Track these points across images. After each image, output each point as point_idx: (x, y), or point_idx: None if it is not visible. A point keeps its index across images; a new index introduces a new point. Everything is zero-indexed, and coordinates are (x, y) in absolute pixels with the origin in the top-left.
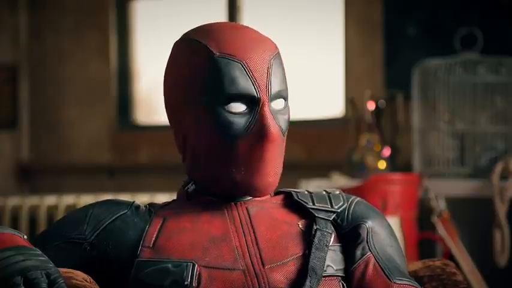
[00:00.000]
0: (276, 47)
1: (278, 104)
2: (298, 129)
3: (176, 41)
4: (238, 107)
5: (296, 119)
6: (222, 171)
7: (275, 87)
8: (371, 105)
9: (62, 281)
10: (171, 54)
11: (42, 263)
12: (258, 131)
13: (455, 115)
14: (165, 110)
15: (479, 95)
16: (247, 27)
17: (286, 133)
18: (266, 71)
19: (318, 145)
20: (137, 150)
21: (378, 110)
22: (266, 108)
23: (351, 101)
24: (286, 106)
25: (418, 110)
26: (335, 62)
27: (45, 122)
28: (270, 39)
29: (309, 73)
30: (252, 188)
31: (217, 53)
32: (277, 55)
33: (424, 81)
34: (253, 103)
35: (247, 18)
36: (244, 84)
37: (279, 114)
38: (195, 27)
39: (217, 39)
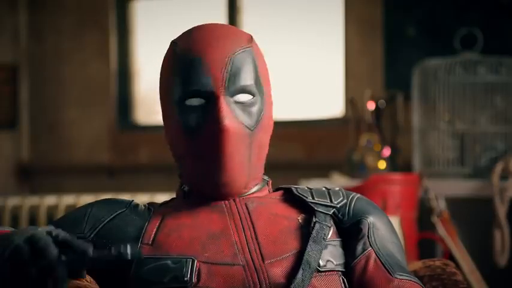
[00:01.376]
0: (248, 42)
1: (241, 97)
2: (298, 129)
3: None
4: (196, 101)
5: (296, 119)
6: (194, 170)
7: (236, 81)
8: (371, 105)
9: (64, 232)
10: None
11: (38, 227)
12: (213, 125)
13: (455, 115)
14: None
15: (479, 95)
16: (222, 24)
17: (256, 127)
18: (224, 64)
19: (318, 145)
20: (137, 150)
21: (378, 110)
22: (222, 102)
23: (351, 101)
24: (255, 100)
25: (418, 110)
26: (335, 62)
27: (45, 122)
28: (241, 34)
29: (309, 73)
30: (218, 186)
31: (180, 50)
32: (246, 50)
33: (424, 81)
34: (210, 97)
35: (247, 18)
36: (200, 79)
37: (243, 107)
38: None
39: (184, 38)
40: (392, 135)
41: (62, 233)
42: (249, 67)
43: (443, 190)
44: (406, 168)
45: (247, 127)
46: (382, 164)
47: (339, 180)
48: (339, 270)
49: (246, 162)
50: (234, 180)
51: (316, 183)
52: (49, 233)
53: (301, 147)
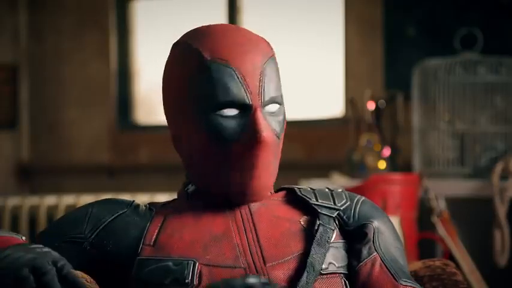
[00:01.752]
0: (271, 50)
1: (271, 108)
2: (298, 129)
3: (173, 44)
4: (230, 111)
5: (296, 119)
6: (216, 174)
7: (268, 93)
8: (371, 105)
9: (69, 266)
10: (168, 57)
11: (45, 254)
12: (251, 137)
13: (455, 115)
14: (163, 110)
15: (479, 95)
16: (241, 28)
17: (281, 135)
18: (259, 76)
19: (318, 145)
20: (137, 150)
21: (378, 110)
22: (259, 114)
23: (351, 101)
24: (281, 109)
25: (418, 110)
26: (335, 62)
27: (45, 122)
28: (264, 41)
29: (309, 73)
30: (245, 192)
31: (209, 58)
32: (272, 59)
33: (424, 81)
34: (245, 109)
35: (247, 18)
36: (236, 90)
37: (273, 117)
38: (190, 30)
39: (209, 43)
40: (392, 135)
41: (66, 266)
42: (276, 76)
43: (443, 190)
44: (406, 168)
45: (277, 136)
46: (382, 164)
47: (339, 180)
48: (341, 273)
49: (273, 170)
50: (265, 187)
51: (316, 183)
52: (54, 263)
53: (301, 147)
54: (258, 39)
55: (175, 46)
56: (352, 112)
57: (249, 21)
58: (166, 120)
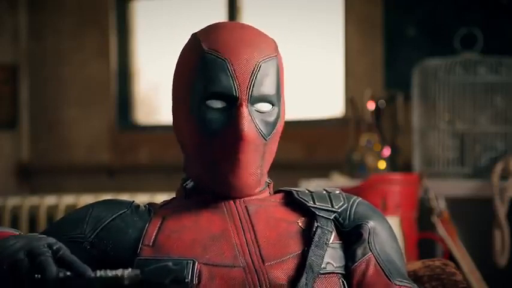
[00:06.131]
0: (274, 51)
1: (262, 107)
2: (298, 129)
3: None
4: (217, 103)
5: (296, 119)
6: (205, 169)
7: (259, 90)
8: (371, 105)
9: (64, 249)
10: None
11: (40, 238)
12: (232, 131)
13: (455, 115)
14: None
15: (479, 95)
16: (248, 26)
17: (272, 137)
18: (251, 71)
19: (318, 145)
20: (137, 150)
21: (378, 110)
22: (243, 109)
23: (351, 101)
24: (274, 110)
25: (418, 110)
26: (335, 62)
27: (45, 122)
28: (269, 41)
29: (309, 73)
30: (228, 187)
31: (206, 49)
32: (272, 59)
33: (424, 81)
34: (232, 102)
35: (247, 18)
36: (225, 81)
37: (262, 116)
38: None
39: (210, 37)
40: (392, 135)
41: (62, 249)
42: (273, 76)
43: (443, 190)
44: (406, 168)
45: (263, 137)
46: (382, 164)
47: (339, 180)
48: (338, 273)
49: (258, 169)
50: (245, 185)
51: (316, 183)
52: (50, 246)
53: (301, 147)
54: (262, 38)
55: (188, 40)
56: (352, 112)
57: (249, 21)
58: (171, 113)
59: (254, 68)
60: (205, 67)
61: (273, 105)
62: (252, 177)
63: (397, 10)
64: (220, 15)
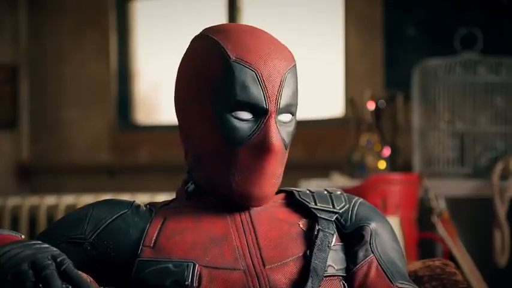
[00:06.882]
0: (293, 59)
1: (285, 117)
2: (298, 129)
3: (195, 36)
4: (245, 114)
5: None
6: (221, 176)
7: (285, 101)
8: (371, 105)
9: (68, 261)
10: (187, 49)
11: (45, 249)
12: (261, 142)
13: (455, 115)
14: (174, 102)
15: (479, 95)
16: (266, 33)
17: (289, 146)
18: (279, 83)
19: (318, 145)
20: (137, 150)
21: (378, 110)
22: (272, 120)
23: (351, 101)
24: (293, 120)
25: (418, 110)
26: (335, 62)
27: (45, 122)
28: (287, 49)
29: (309, 73)
30: (247, 197)
31: (233, 57)
32: (293, 68)
33: (424, 81)
34: (261, 113)
35: (247, 18)
36: (255, 93)
37: (284, 127)
38: (214, 25)
39: (234, 43)
40: (392, 135)
41: (66, 262)
42: (295, 87)
43: (443, 190)
44: (406, 168)
45: (285, 146)
46: (382, 164)
47: (339, 180)
48: (339, 275)
49: (278, 179)
50: (265, 195)
51: (316, 183)
52: (54, 258)
53: (301, 147)
54: (282, 45)
55: (198, 40)
56: (352, 112)
57: (249, 21)
58: (176, 115)
59: (282, 80)
60: (232, 75)
61: (293, 115)
62: (273, 188)
63: (397, 10)
64: (220, 15)
